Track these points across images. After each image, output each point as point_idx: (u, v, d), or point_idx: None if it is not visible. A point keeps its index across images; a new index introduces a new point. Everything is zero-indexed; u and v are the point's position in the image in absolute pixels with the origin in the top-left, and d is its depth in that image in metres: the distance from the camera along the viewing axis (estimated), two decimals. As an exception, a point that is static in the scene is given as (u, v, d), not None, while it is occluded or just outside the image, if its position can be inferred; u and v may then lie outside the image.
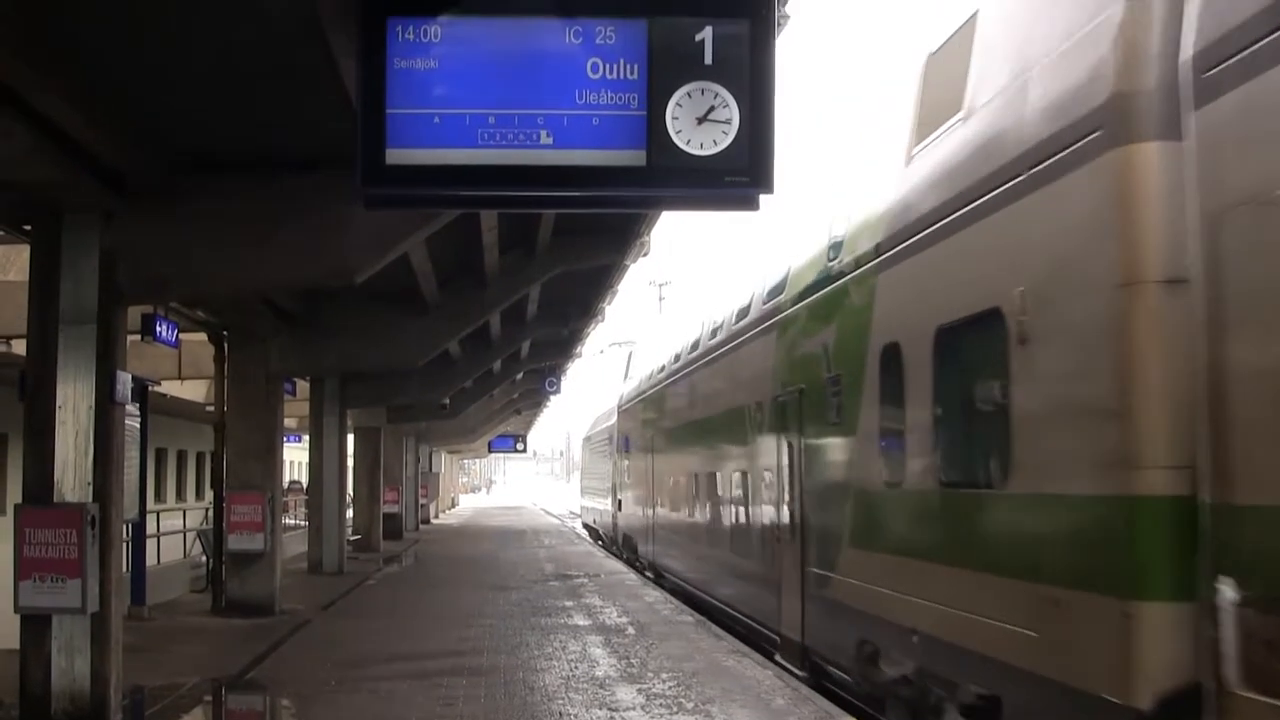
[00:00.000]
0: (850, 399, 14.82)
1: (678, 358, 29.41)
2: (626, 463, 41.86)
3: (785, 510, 18.07)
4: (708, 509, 25.04)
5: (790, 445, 17.73)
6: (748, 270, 22.22)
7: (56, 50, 11.37)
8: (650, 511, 34.83)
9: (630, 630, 21.83)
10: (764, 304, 19.68)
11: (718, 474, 23.98)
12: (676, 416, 29.70)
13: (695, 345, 26.54)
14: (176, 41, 11.50)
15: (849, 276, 14.95)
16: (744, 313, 21.39)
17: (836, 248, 15.60)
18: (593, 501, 60.24)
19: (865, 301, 14.34)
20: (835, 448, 15.87)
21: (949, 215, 11.91)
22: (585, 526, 65.03)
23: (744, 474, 21.36)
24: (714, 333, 24.34)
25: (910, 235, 12.92)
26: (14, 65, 11.18)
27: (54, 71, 11.70)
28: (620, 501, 44.36)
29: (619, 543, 45.09)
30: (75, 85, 12.15)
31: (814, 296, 16.59)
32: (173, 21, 11.04)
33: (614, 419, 47.36)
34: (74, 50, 11.47)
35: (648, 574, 34.52)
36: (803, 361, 17.25)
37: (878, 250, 13.87)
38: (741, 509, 21.66)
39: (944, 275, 12.12)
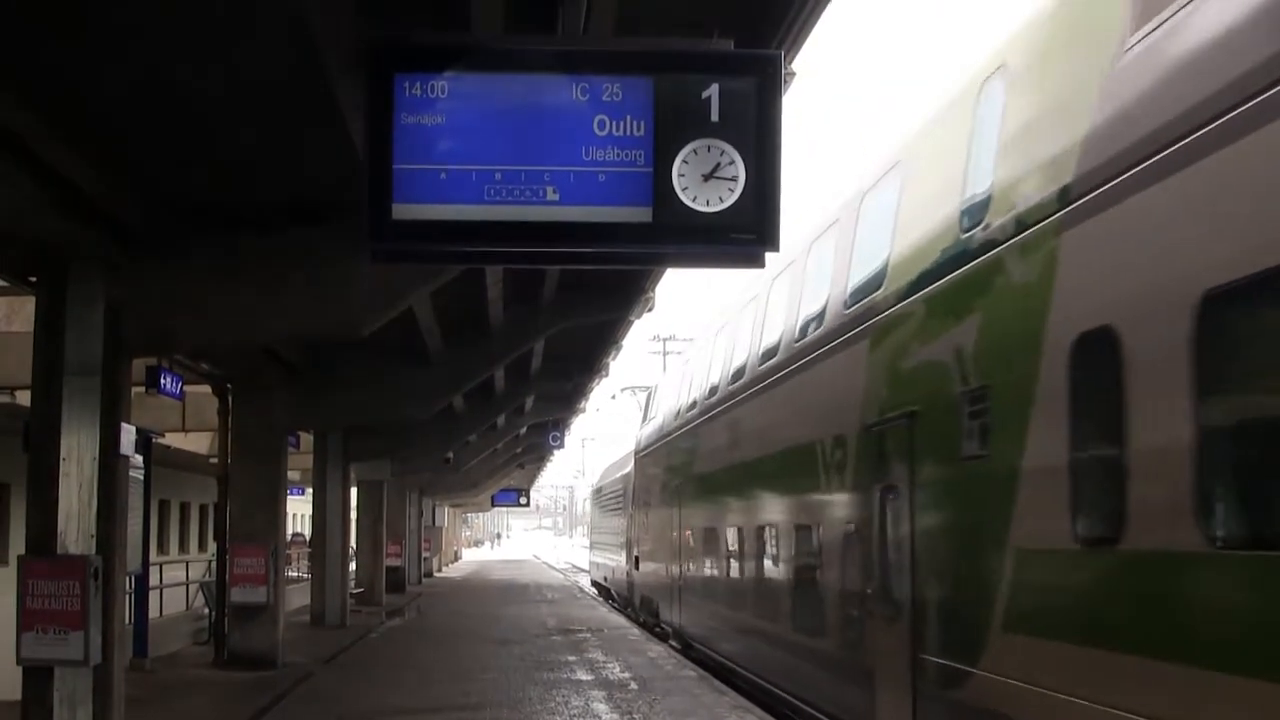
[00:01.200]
0: (1008, 419, 10.59)
1: (714, 390, 24.29)
2: (646, 515, 36.09)
3: (884, 576, 13.38)
4: (758, 571, 20.06)
5: (891, 489, 13.15)
6: (808, 271, 17.56)
7: (63, 101, 11.44)
8: (677, 571, 29.37)
9: (633, 685, 21.74)
10: (846, 308, 15.00)
11: (773, 528, 18.97)
12: (714, 460, 24.43)
13: (739, 373, 21.70)
14: (185, 96, 11.57)
15: (1005, 245, 10.75)
16: (812, 325, 16.70)
17: (976, 210, 11.35)
18: (604, 558, 55.45)
19: (1039, 276, 10.20)
20: (977, 489, 11.22)
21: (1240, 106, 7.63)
22: (595, 585, 60.25)
23: (813, 528, 16.51)
24: (766, 355, 19.52)
25: (1144, 157, 8.67)
26: (20, 115, 11.26)
27: (61, 123, 11.77)
28: (637, 559, 38.93)
29: (635, 605, 39.78)
30: (82, 137, 12.23)
31: (937, 284, 12.20)
32: (181, 76, 11.11)
33: (629, 468, 42.84)
34: (81, 102, 11.54)
35: (673, 643, 29.81)
36: (916, 376, 12.78)
37: (1066, 197, 9.73)
38: (810, 572, 16.78)
39: (1225, 206, 7.90)
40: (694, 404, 26.86)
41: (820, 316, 16.27)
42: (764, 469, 19.73)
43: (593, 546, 65.51)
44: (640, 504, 37.56)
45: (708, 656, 25.11)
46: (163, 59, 10.80)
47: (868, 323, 14.08)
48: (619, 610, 42.40)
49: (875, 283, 13.97)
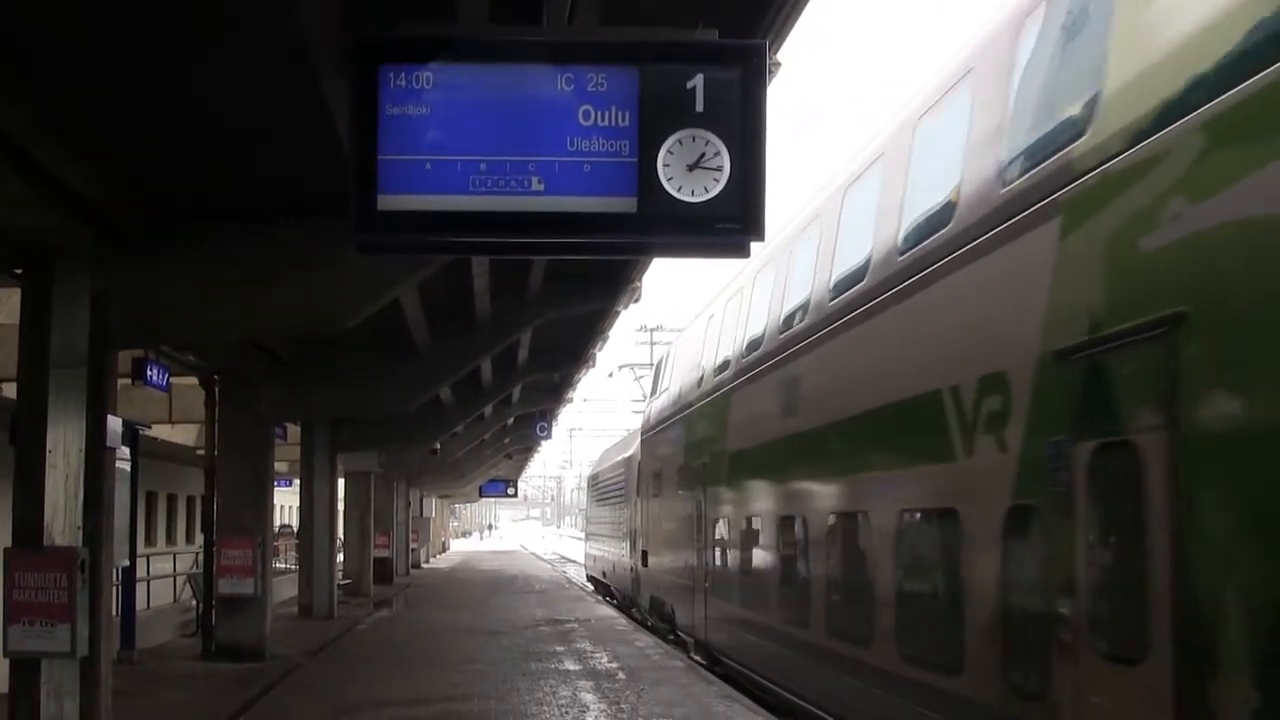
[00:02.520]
0: None
1: (756, 344, 18.95)
2: (657, 503, 29.68)
3: (1104, 590, 8.70)
4: (839, 575, 14.78)
5: (1112, 450, 8.49)
6: (916, 156, 12.76)
7: (52, 99, 11.42)
8: (701, 570, 23.41)
9: (621, 675, 21.77)
10: (1011, 180, 10.11)
11: (862, 516, 13.90)
12: (759, 430, 18.79)
13: (798, 314, 16.51)
14: (171, 90, 11.55)
15: None
16: (933, 222, 11.70)
17: None
18: (602, 550, 49.75)
19: None
20: None
21: None
22: (591, 580, 55.12)
23: (935, 515, 11.78)
24: (846, 282, 14.35)
25: None
26: (9, 113, 11.24)
27: (49, 119, 11.76)
28: (645, 553, 32.38)
29: (642, 605, 34.03)
30: (69, 133, 12.21)
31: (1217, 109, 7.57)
32: (168, 72, 11.10)
33: (632, 450, 38.16)
34: (69, 99, 11.52)
35: (695, 656, 24.62)
36: (1183, 255, 7.90)
37: None
38: (932, 578, 12.17)
39: None
40: (724, 364, 21.48)
41: (945, 210, 11.41)
42: (844, 437, 14.46)
43: (589, 538, 59.27)
44: (649, 490, 31.53)
45: (745, 676, 19.85)
46: (150, 55, 10.78)
47: (1058, 193, 9.31)
48: (622, 610, 37.99)
49: (1074, 129, 9.22)
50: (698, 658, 24.16)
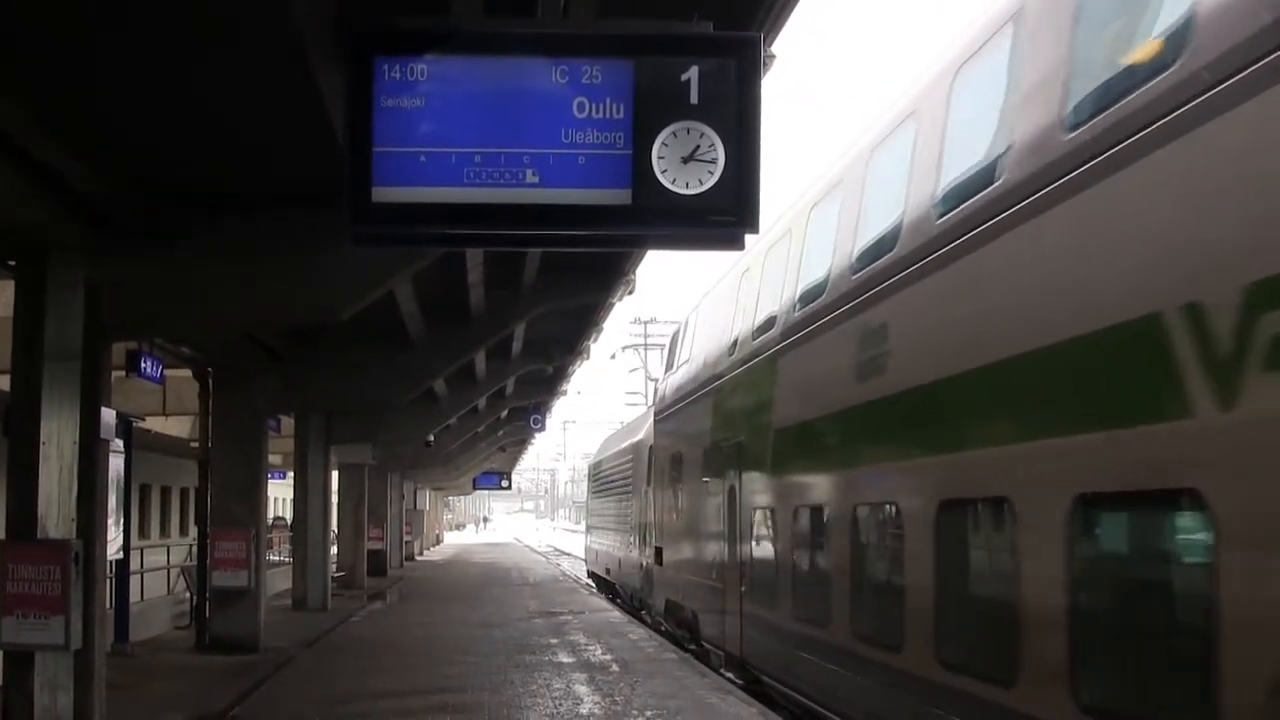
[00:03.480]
0: None
1: (814, 293, 15.18)
2: (675, 492, 25.59)
3: None
4: (953, 585, 11.19)
5: None
6: None
7: (46, 93, 11.41)
8: (736, 570, 19.28)
9: (614, 667, 21.78)
10: None
11: (1013, 505, 9.78)
12: (823, 397, 14.90)
13: (881, 247, 12.85)
14: (164, 81, 11.54)
15: None
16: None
17: None
18: (606, 545, 44.89)
19: None
20: None
21: None
22: (593, 577, 50.67)
23: (1173, 502, 7.87)
24: (966, 189, 10.75)
25: None
26: (3, 107, 11.23)
27: (39, 111, 11.74)
28: (659, 550, 27.86)
29: (657, 609, 29.21)
30: (63, 126, 12.20)
31: None
32: (160, 62, 11.08)
33: (641, 434, 34.52)
34: (60, 90, 11.50)
35: (726, 673, 20.45)
36: None
37: None
38: (1147, 598, 8.40)
39: None
40: (767, 323, 17.37)
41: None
42: (977, 392, 10.53)
43: (590, 531, 53.50)
44: (664, 477, 27.04)
45: (797, 704, 16.22)
46: (146, 50, 10.77)
47: None
48: (631, 613, 33.91)
49: None
50: (730, 674, 19.98)
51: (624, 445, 40.51)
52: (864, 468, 13.73)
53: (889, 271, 12.43)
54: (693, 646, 23.83)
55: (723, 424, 20.49)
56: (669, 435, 26.63)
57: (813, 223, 16.01)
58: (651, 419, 31.17)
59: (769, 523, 17.42)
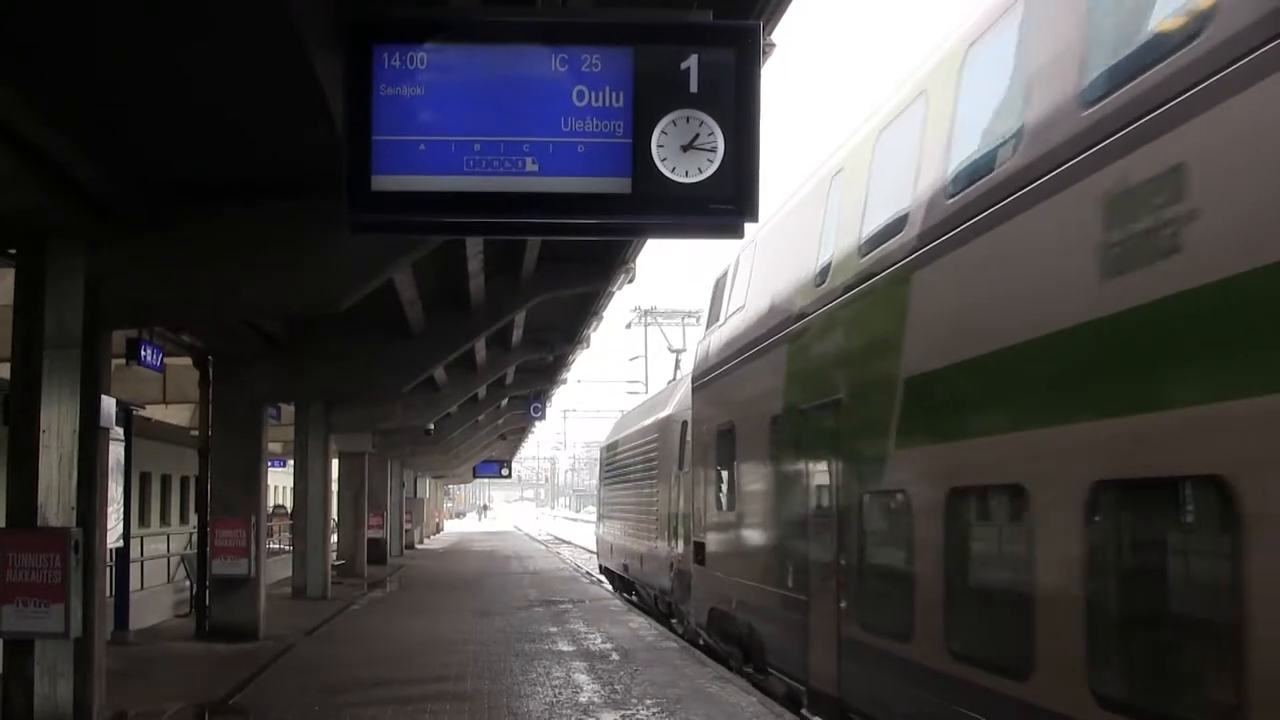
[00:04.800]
0: None
1: (980, 166, 10.49)
2: (725, 475, 20.22)
3: None
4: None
5: None
6: None
7: (42, 78, 11.40)
8: (832, 580, 14.10)
9: (614, 656, 21.78)
10: None
11: None
12: (995, 325, 10.09)
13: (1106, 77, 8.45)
14: (163, 70, 11.53)
15: None
16: None
17: None
18: (622, 537, 39.20)
19: None
20: None
21: None
22: (605, 572, 45.45)
23: None
24: None
25: None
26: (2, 94, 11.22)
27: (39, 98, 11.73)
28: (701, 547, 22.12)
29: (697, 621, 22.93)
30: (63, 115, 12.19)
31: None
32: (162, 51, 11.07)
33: (672, 408, 29.93)
34: (60, 78, 11.49)
35: (809, 714, 15.29)
36: None
37: None
38: None
39: None
40: (891, 227, 12.28)
41: None
42: None
43: (603, 521, 46.34)
44: (708, 457, 21.53)
45: None
46: (143, 33, 10.76)
47: None
48: (661, 621, 29.23)
49: None
50: (811, 716, 15.14)
51: (647, 423, 35.03)
52: (1116, 422, 8.18)
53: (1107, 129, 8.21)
54: (748, 670, 18.67)
55: (806, 380, 15.31)
56: (715, 404, 21.07)
57: (977, 65, 11.00)
58: (685, 387, 26.71)
59: (893, 513, 12.47)
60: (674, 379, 40.67)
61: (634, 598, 36.84)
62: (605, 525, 45.41)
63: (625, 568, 38.50)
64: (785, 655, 16.28)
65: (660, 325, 51.63)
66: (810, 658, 14.86)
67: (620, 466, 40.82)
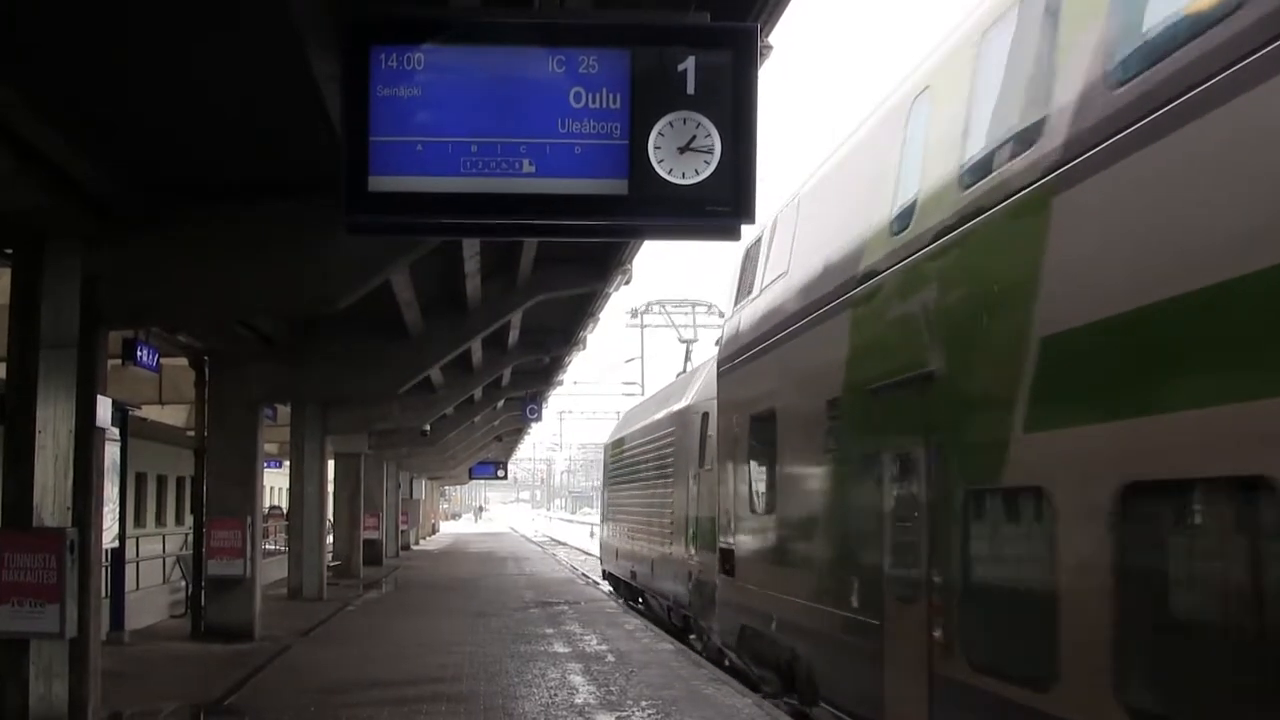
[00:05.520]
0: None
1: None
2: (765, 472, 16.97)
3: None
4: None
5: None
6: None
7: (41, 77, 11.40)
8: (923, 604, 10.77)
9: (610, 658, 21.79)
10: None
11: None
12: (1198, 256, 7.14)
13: None
14: (162, 71, 11.54)
15: None
16: None
17: None
18: (630, 541, 36.18)
19: None
20: None
21: None
22: (609, 578, 42.78)
23: None
24: None
25: None
26: (1, 93, 11.23)
27: (37, 96, 11.73)
28: (729, 555, 18.91)
29: (724, 641, 19.99)
30: (59, 111, 12.18)
31: None
32: (159, 53, 11.08)
33: (690, 397, 27.02)
34: (59, 78, 11.50)
35: None
36: None
37: None
38: None
39: None
40: (1016, 142, 9.48)
41: None
42: None
43: (608, 524, 43.13)
44: (738, 451, 18.25)
45: None
46: (144, 38, 10.77)
47: None
48: (678, 638, 25.83)
49: None
50: None
51: (659, 416, 31.89)
52: None
53: None
54: (790, 700, 15.89)
55: (879, 351, 12.37)
56: (748, 389, 17.78)
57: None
58: (705, 375, 24.96)
59: (1022, 516, 9.65)
60: (684, 371, 38.51)
61: (639, 604, 35.06)
62: (610, 528, 42.23)
63: (633, 574, 35.43)
64: (846, 690, 13.22)
65: (669, 313, 48.32)
66: (886, 695, 11.67)
67: (628, 464, 37.66)
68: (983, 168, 9.92)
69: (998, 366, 9.62)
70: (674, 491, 28.42)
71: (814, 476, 14.58)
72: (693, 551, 25.30)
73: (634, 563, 35.15)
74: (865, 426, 12.54)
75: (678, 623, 27.89)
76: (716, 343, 21.98)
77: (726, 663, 20.21)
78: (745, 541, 18.03)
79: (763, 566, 16.89)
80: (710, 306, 44.77)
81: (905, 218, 11.48)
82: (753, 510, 17.45)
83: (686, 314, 50.28)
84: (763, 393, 16.87)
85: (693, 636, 25.67)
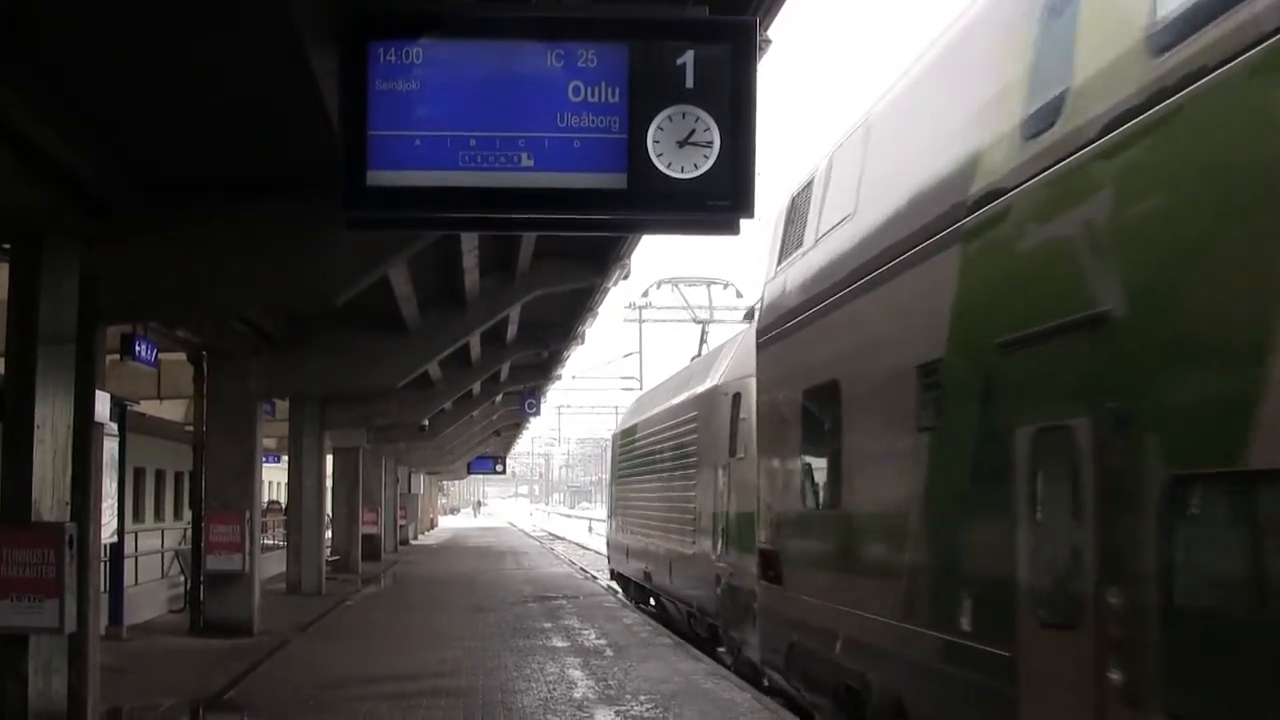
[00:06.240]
0: None
1: None
2: (823, 460, 13.70)
3: None
4: None
5: None
6: None
7: (39, 74, 11.39)
8: (1100, 633, 7.46)
9: (608, 652, 21.79)
10: None
11: None
12: None
13: None
14: (159, 67, 11.52)
15: None
16: None
17: None
18: (643, 538, 32.90)
19: None
20: None
21: None
22: (619, 579, 39.93)
23: None
24: None
25: None
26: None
27: (37, 95, 11.72)
28: (774, 559, 15.38)
29: (776, 660, 15.34)
30: (58, 109, 12.17)
31: None
32: (156, 47, 11.06)
33: (718, 376, 24.01)
34: (57, 75, 11.49)
35: None
36: None
37: None
38: None
39: None
40: (1173, 29, 7.04)
41: None
42: None
43: (617, 519, 39.76)
44: (787, 436, 15.13)
45: None
46: (142, 33, 10.75)
47: None
48: (702, 649, 23.27)
49: None
50: None
51: (679, 400, 28.68)
52: None
53: None
54: None
55: (1008, 295, 9.31)
56: (800, 361, 14.65)
57: None
58: (734, 353, 22.82)
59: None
60: (699, 354, 35.22)
61: (650, 605, 32.61)
62: (620, 524, 38.43)
63: (647, 575, 32.09)
64: None
65: (682, 291, 43.65)
66: None
67: (641, 455, 34.13)
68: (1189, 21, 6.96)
69: (1239, 294, 6.53)
70: (697, 484, 25.34)
71: (898, 462, 11.06)
72: (722, 552, 22.26)
73: (648, 563, 31.86)
74: (985, 393, 9.36)
75: (701, 632, 24.94)
76: (746, 316, 20.40)
77: (765, 683, 17.11)
78: (796, 543, 14.78)
79: (822, 573, 13.56)
80: (727, 284, 42.90)
81: (1048, 113, 8.54)
82: (807, 505, 14.27)
83: (698, 294, 45.60)
84: (821, 362, 13.66)
85: (721, 649, 22.77)
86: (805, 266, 14.44)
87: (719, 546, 22.56)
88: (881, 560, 11.60)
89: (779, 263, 15.95)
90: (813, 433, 14.05)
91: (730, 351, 23.91)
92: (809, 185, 14.78)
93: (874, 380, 11.85)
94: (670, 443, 29.10)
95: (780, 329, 15.37)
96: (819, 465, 13.90)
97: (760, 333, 16.59)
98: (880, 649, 11.33)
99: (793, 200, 15.57)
